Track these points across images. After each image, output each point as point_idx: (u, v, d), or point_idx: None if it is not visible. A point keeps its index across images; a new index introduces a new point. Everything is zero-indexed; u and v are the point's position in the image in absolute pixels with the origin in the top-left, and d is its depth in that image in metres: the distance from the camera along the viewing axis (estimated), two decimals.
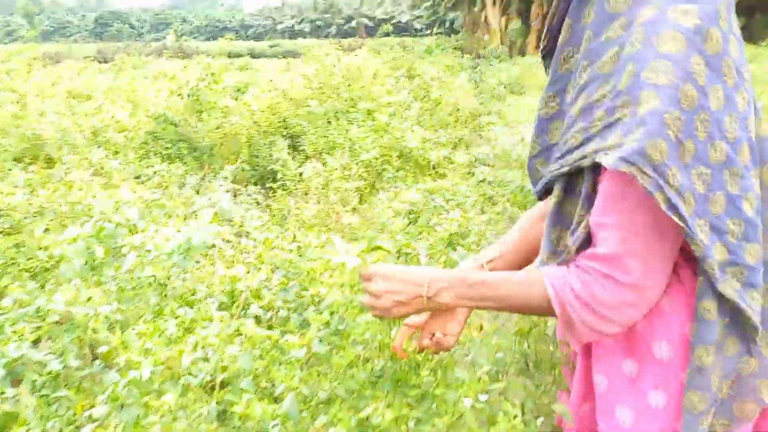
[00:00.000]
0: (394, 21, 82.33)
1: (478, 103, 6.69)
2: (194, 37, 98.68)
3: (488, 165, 4.67)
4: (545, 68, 1.12)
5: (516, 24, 19.53)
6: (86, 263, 1.79)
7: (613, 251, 0.86)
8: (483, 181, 3.66)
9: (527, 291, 0.94)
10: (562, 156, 0.95)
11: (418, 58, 12.80)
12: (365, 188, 4.05)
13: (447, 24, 28.41)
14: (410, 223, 2.54)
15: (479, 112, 6.32)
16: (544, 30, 1.08)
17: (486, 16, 20.57)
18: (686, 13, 0.83)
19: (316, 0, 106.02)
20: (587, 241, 0.92)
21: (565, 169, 0.94)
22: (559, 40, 0.99)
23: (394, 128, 4.99)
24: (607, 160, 0.82)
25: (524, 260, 1.13)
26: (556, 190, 0.98)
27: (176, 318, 1.57)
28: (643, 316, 0.90)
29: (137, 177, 4.54)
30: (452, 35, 26.55)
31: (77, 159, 4.40)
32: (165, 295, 1.74)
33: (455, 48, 19.81)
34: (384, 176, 4.54)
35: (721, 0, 0.86)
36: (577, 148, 0.91)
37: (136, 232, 2.03)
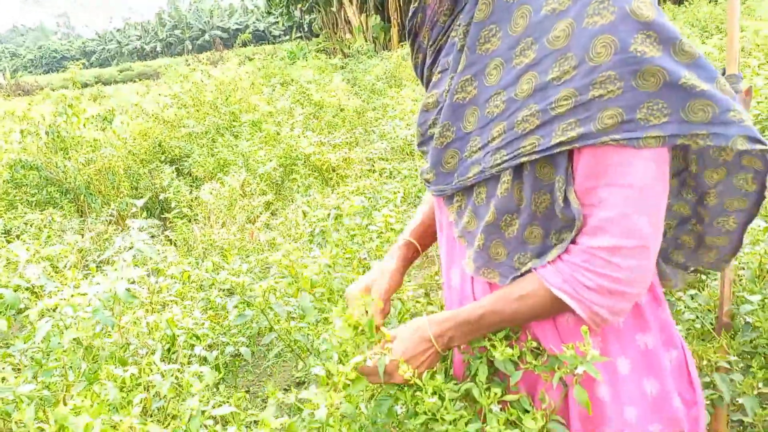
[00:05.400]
0: (250, 30, 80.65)
1: (360, 101, 6.67)
2: (29, 72, 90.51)
3: (385, 159, 4.65)
4: (414, 51, 1.06)
5: (375, 20, 19.78)
6: None
7: (618, 212, 0.82)
8: (389, 176, 3.63)
9: (535, 302, 0.92)
10: (508, 143, 0.87)
11: (286, 65, 12.56)
12: (271, 202, 3.86)
13: (305, 28, 28.21)
14: (338, 229, 2.44)
15: (364, 109, 6.30)
16: (421, 13, 1.02)
17: (345, 15, 20.66)
18: None
19: (161, 18, 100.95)
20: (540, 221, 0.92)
21: (531, 157, 0.85)
22: (475, 17, 0.90)
23: (285, 137, 4.82)
24: (717, 141, 0.79)
25: (431, 235, 1.20)
26: (505, 179, 0.90)
27: (116, 380, 1.37)
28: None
29: (6, 232, 4.01)
30: (312, 38, 26.50)
31: None
32: (95, 359, 1.51)
33: (318, 51, 19.73)
34: (285, 186, 4.38)
35: None
36: (532, 132, 0.84)
37: (41, 295, 1.76)
